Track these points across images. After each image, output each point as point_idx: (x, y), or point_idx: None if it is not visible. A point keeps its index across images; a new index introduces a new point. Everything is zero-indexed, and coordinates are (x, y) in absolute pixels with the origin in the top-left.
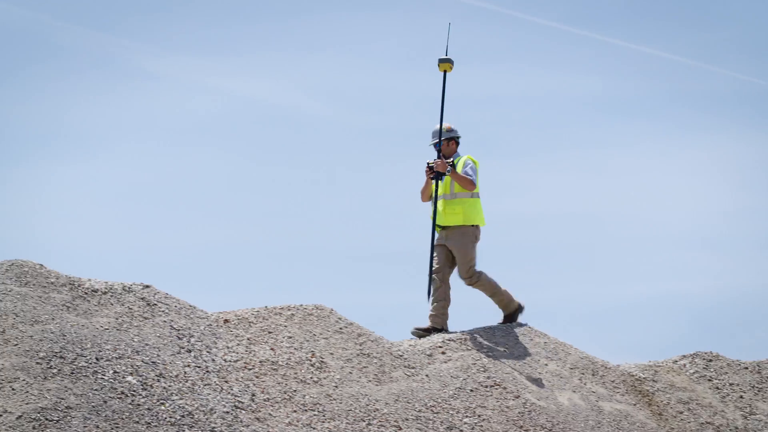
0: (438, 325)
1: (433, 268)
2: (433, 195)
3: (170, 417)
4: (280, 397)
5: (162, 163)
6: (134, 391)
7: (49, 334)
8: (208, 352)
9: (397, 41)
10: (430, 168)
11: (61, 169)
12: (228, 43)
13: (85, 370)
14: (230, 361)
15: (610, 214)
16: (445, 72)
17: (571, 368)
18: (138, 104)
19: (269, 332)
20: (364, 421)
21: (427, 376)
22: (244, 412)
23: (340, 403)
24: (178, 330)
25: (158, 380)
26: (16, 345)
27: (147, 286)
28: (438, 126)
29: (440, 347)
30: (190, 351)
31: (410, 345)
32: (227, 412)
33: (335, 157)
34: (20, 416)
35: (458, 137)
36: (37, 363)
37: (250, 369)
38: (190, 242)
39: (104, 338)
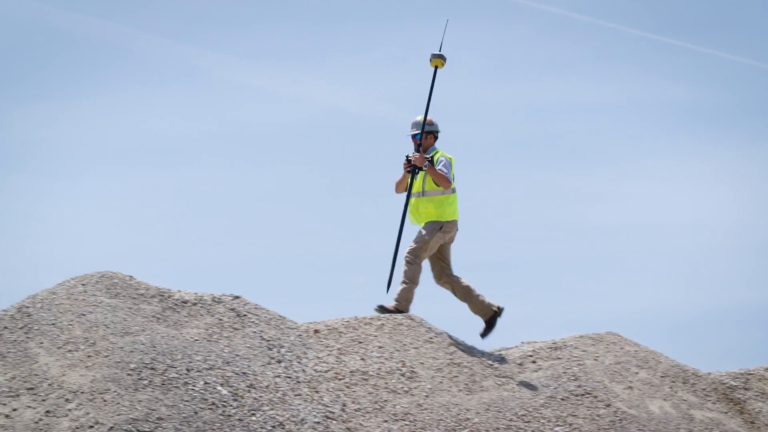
0: (485, 317)
1: (434, 275)
2: (407, 188)
3: (261, 427)
4: (371, 407)
5: (249, 173)
6: (225, 401)
7: (139, 345)
8: (298, 362)
9: (482, 51)
10: (408, 161)
11: (150, 178)
12: (312, 52)
13: (175, 381)
14: (321, 372)
15: (698, 222)
16: (436, 68)
17: (662, 376)
18: (223, 114)
19: (360, 342)
20: (455, 430)
21: (517, 385)
22: (334, 422)
23: (431, 412)
24: (269, 340)
25: (249, 391)
26: (107, 356)
27: (237, 297)
28: (419, 117)
29: (531, 356)
30: (280, 361)
31: (501, 354)
32: (318, 423)
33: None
34: (112, 427)
35: (437, 131)
36: (128, 374)
37: (341, 379)
38: (280, 253)
39: (195, 349)
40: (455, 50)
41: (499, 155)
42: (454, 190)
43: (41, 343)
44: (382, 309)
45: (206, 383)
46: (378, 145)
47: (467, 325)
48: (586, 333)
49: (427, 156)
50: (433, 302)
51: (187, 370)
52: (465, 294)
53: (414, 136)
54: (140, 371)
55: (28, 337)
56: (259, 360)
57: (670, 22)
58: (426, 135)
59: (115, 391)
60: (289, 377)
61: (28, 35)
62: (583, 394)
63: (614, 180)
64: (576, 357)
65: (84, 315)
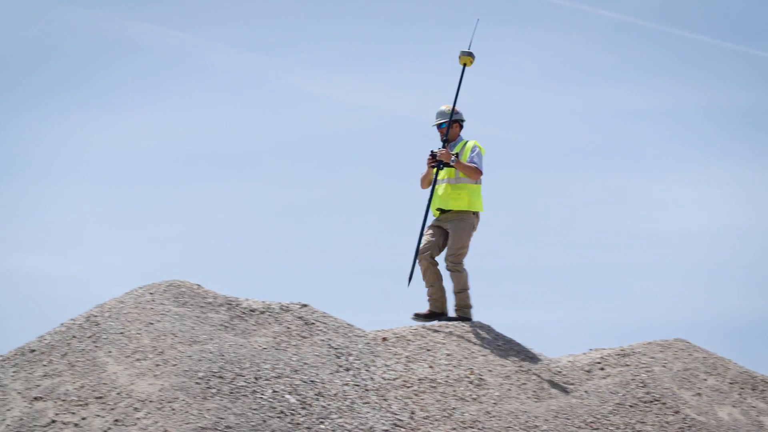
0: (438, 309)
1: (424, 246)
2: (433, 181)
3: None
4: (440, 414)
5: (317, 180)
6: (293, 410)
7: (207, 354)
8: (366, 370)
9: (545, 57)
10: (433, 156)
11: (216, 186)
12: (378, 60)
13: (244, 390)
14: (389, 379)
15: (766, 227)
16: (464, 65)
17: (731, 383)
18: (290, 122)
19: (428, 350)
20: None
21: (585, 392)
22: (403, 430)
23: (500, 420)
24: (337, 349)
25: (317, 399)
26: (175, 365)
27: (304, 305)
28: (444, 107)
29: (599, 363)
30: (348, 369)
31: (569, 361)
32: (386, 431)
33: (489, 173)
34: None
35: (463, 120)
36: (196, 383)
37: (409, 387)
38: (348, 260)
39: (263, 358)
40: (517, 58)
41: (563, 161)
42: (480, 182)
43: (110, 352)
44: (450, 318)
45: (274, 391)
46: None
47: (534, 332)
48: (654, 339)
49: (453, 152)
50: (501, 309)
51: (256, 378)
52: (436, 278)
53: (440, 126)
54: (208, 380)
55: (96, 347)
56: (328, 368)
57: (735, 27)
58: (452, 124)
59: (183, 400)
60: (358, 385)
61: (102, 45)
62: (651, 401)
63: (681, 186)
64: (644, 364)
65: (152, 324)
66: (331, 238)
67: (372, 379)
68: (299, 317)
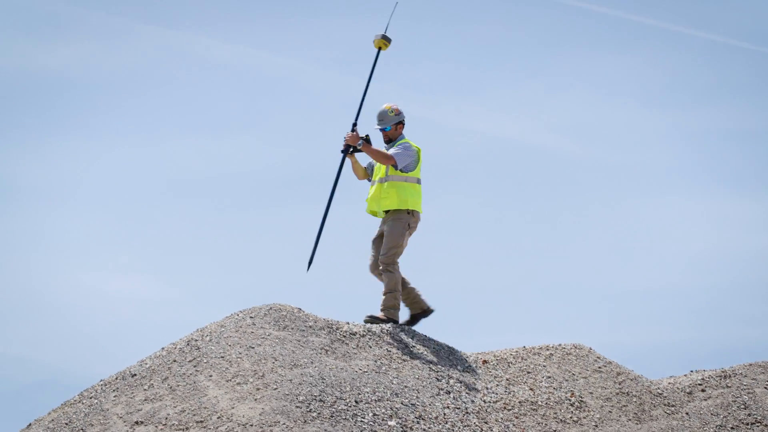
0: (418, 310)
1: (372, 263)
2: (367, 173)
3: None
4: None
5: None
6: None
7: (308, 377)
8: (467, 393)
9: (639, 79)
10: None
11: (316, 210)
12: (472, 83)
13: (344, 413)
14: (489, 402)
15: None
16: (379, 49)
17: None
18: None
19: (528, 372)
20: None
21: (687, 414)
22: None
23: None
24: (437, 371)
25: (418, 422)
26: (275, 389)
27: (405, 328)
28: (385, 107)
29: (700, 385)
30: (449, 392)
31: (669, 383)
32: None
33: (585, 193)
34: None
35: (404, 120)
36: (297, 407)
37: (510, 409)
38: (448, 283)
39: (363, 381)
40: (613, 79)
41: (659, 182)
42: (419, 181)
43: (210, 376)
44: (372, 319)
45: (375, 415)
46: (543, 174)
47: (634, 354)
48: (756, 361)
49: (362, 136)
50: (601, 331)
51: (356, 401)
52: (398, 285)
53: (384, 130)
54: (309, 403)
55: (197, 370)
56: (428, 391)
57: None
58: (395, 126)
59: (284, 424)
60: (458, 408)
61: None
62: (753, 423)
63: None
64: (746, 385)
65: (252, 348)
66: (430, 261)
67: (473, 401)
68: (399, 340)
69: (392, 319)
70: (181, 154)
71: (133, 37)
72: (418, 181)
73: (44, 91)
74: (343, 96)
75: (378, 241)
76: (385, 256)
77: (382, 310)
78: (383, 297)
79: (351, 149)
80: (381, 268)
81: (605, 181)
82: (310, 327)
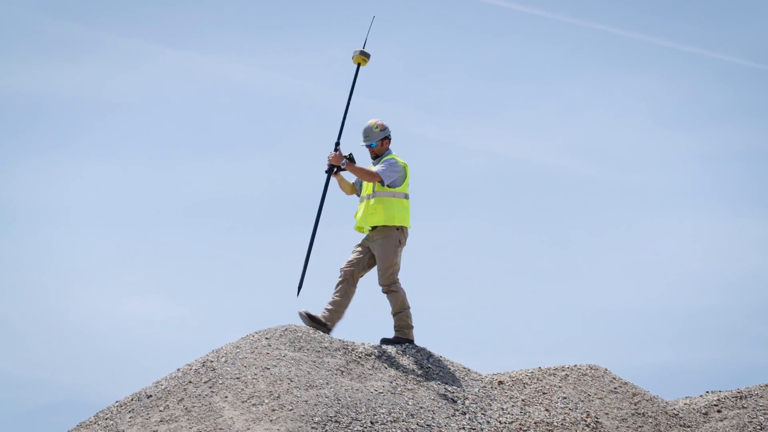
0: (327, 321)
1: (347, 263)
2: (355, 188)
3: None
4: None
5: (430, 225)
6: None
7: (323, 398)
8: (482, 414)
9: (654, 99)
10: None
11: (334, 230)
12: (487, 104)
13: None
14: (505, 423)
15: None
16: (359, 65)
17: None
18: (414, 166)
19: (544, 393)
20: None
21: None
22: None
23: None
24: (453, 392)
25: None
26: (291, 410)
27: (420, 349)
28: (371, 122)
29: (715, 405)
30: (464, 413)
31: (685, 403)
32: None
33: (600, 213)
34: None
35: (390, 135)
36: (313, 428)
37: (525, 431)
38: (464, 304)
39: (379, 402)
40: (628, 100)
41: (682, 202)
42: (406, 196)
43: (226, 397)
44: (386, 341)
45: None
46: (558, 194)
47: (650, 375)
48: None
49: (345, 155)
50: (616, 351)
51: (372, 422)
52: (344, 295)
53: (370, 146)
54: (324, 424)
55: (212, 391)
56: (444, 412)
57: None
58: (381, 141)
59: None
60: (474, 429)
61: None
62: None
63: None
64: (762, 406)
65: (268, 369)
66: (446, 282)
67: (488, 422)
68: (416, 361)
69: (407, 339)
70: (195, 175)
71: (146, 59)
72: (406, 197)
73: (58, 113)
74: (359, 115)
75: (365, 249)
76: (383, 278)
77: (396, 332)
78: (394, 317)
79: (335, 169)
80: (383, 290)
81: (620, 201)
82: (326, 348)
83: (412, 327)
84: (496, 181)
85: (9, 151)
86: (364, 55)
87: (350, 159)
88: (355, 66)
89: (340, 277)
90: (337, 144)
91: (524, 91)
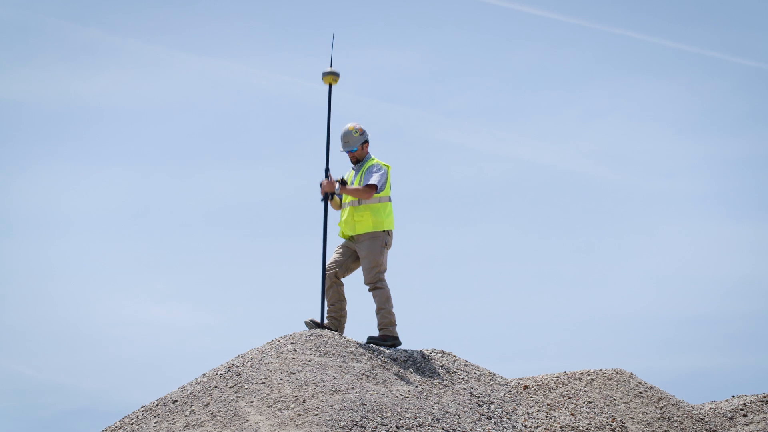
0: (334, 328)
1: (330, 264)
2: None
3: None
4: None
5: (454, 230)
6: None
7: (349, 403)
8: (508, 418)
9: (676, 105)
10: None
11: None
12: (509, 109)
13: None
14: (530, 427)
15: None
16: (330, 85)
17: None
18: (425, 172)
19: (569, 397)
20: None
21: None
22: None
23: None
24: (478, 397)
25: None
26: (316, 415)
27: (446, 354)
28: (349, 126)
29: (741, 410)
30: (490, 418)
31: (711, 408)
32: None
33: (622, 219)
34: None
35: (368, 138)
36: None
37: None
38: (489, 309)
39: (404, 407)
40: (651, 105)
41: (704, 208)
42: (389, 199)
43: (251, 402)
44: (372, 340)
45: None
46: (580, 200)
47: (676, 379)
48: None
49: (336, 180)
50: (642, 356)
51: (397, 427)
52: (338, 299)
53: (351, 151)
54: (350, 429)
55: (238, 396)
56: (469, 416)
57: None
58: (361, 146)
59: None
60: None
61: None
62: None
63: None
64: None
65: (293, 374)
66: (472, 286)
67: (514, 427)
68: (441, 366)
69: (392, 337)
70: (218, 181)
71: (169, 66)
72: (389, 199)
73: (81, 120)
74: (382, 122)
75: (347, 250)
76: (369, 276)
77: (380, 330)
78: (377, 314)
79: (330, 196)
80: (369, 289)
81: (644, 207)
82: (351, 353)
83: (395, 324)
84: (519, 187)
85: (35, 158)
86: (333, 75)
87: (342, 183)
88: (327, 87)
89: (327, 285)
90: (327, 170)
91: (548, 97)
